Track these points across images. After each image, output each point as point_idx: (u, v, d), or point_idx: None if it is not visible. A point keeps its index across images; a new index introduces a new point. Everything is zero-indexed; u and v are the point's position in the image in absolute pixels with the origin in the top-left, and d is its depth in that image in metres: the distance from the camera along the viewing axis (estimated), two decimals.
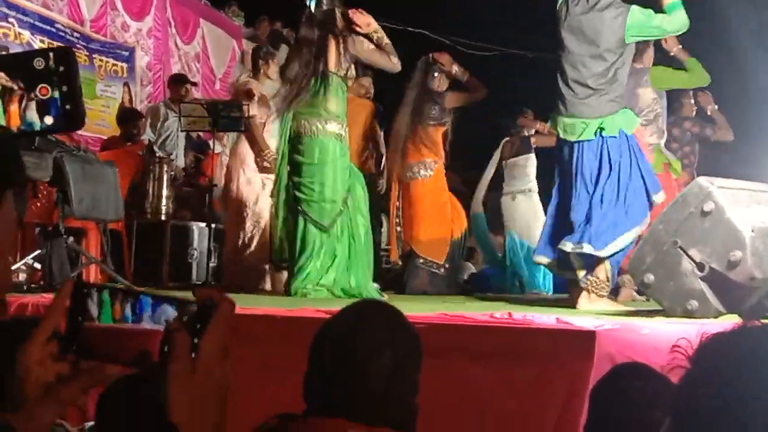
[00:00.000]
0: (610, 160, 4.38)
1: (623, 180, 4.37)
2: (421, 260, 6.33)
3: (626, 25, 4.42)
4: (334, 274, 4.93)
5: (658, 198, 4.47)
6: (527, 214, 7.10)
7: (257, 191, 6.15)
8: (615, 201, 4.35)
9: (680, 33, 4.71)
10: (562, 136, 4.56)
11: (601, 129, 4.40)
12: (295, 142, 5.10)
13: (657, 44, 6.00)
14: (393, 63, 5.17)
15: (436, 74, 6.48)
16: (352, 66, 5.17)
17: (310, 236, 4.98)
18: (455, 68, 6.55)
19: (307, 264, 4.91)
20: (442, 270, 6.34)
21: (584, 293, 4.33)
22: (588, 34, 4.49)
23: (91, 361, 1.00)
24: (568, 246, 4.37)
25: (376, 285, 5.27)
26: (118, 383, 2.08)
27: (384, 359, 1.75)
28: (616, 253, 4.36)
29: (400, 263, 6.57)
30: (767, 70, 8.15)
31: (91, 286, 1.03)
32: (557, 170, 4.70)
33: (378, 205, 6.62)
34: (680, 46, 6.08)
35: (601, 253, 4.30)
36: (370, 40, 5.13)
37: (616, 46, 4.45)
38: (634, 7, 4.47)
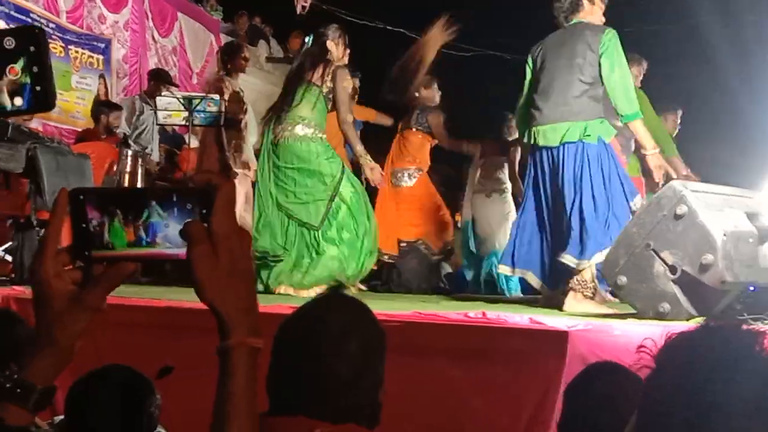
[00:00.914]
0: (589, 167, 4.41)
1: (601, 189, 4.40)
2: (421, 242, 6.43)
3: (600, 40, 4.47)
4: (326, 270, 4.96)
5: (636, 202, 4.50)
6: (496, 213, 7.16)
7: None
8: (602, 209, 4.38)
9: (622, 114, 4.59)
10: (542, 144, 4.58)
11: (585, 134, 4.43)
12: (274, 148, 5.20)
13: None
14: (345, 118, 5.26)
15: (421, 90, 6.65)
16: (329, 84, 5.23)
17: (296, 235, 5.01)
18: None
19: (300, 262, 4.96)
20: (434, 258, 6.46)
21: (571, 293, 4.35)
22: (568, 45, 4.55)
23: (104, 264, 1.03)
24: (568, 259, 4.39)
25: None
26: (87, 377, 2.07)
27: (349, 351, 1.73)
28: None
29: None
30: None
31: (86, 192, 1.03)
32: (531, 181, 4.72)
33: None
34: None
35: (591, 262, 4.34)
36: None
37: (594, 60, 4.50)
38: (615, 39, 4.49)
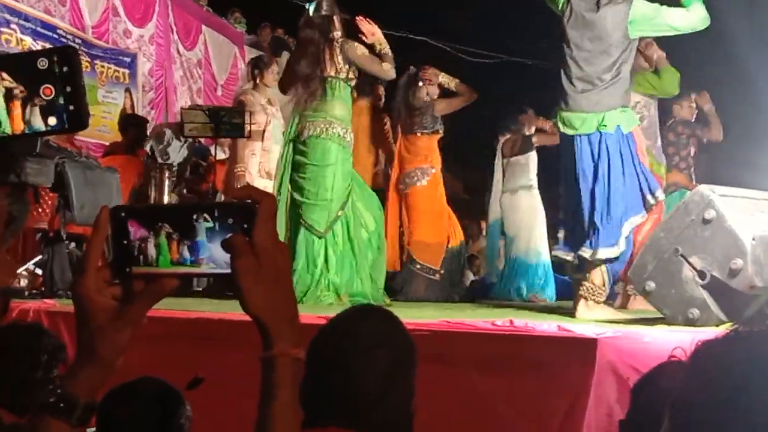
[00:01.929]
0: (608, 156, 4.36)
1: (617, 179, 4.34)
2: (418, 266, 6.33)
3: (629, 19, 4.41)
4: (336, 278, 4.94)
5: (659, 195, 4.44)
6: (527, 210, 7.12)
7: None
8: (609, 201, 4.33)
9: (698, 30, 4.46)
10: (562, 130, 4.55)
11: (602, 125, 4.38)
12: (297, 143, 5.14)
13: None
14: (385, 70, 5.21)
15: (420, 85, 6.50)
16: (353, 68, 5.17)
17: (307, 243, 4.99)
18: (442, 78, 6.57)
19: (311, 271, 4.92)
20: (437, 276, 6.34)
21: (582, 301, 4.30)
22: (593, 29, 4.46)
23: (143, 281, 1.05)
24: (586, 252, 4.35)
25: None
26: (117, 389, 2.09)
27: (379, 362, 1.75)
28: (612, 259, 4.33)
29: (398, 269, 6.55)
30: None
31: (128, 209, 1.05)
32: (560, 166, 4.67)
33: None
34: (662, 53, 6.08)
35: (611, 254, 4.27)
36: (372, 49, 5.16)
37: (620, 41, 4.42)
38: (638, 2, 4.40)
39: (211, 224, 1.02)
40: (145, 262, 1.04)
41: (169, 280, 1.04)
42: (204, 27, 11.51)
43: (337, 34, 5.13)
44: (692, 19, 4.40)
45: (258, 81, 6.60)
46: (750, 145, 7.54)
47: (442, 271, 6.36)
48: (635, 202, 4.37)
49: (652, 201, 4.41)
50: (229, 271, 1.01)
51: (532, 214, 7.06)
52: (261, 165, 6.30)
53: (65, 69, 1.02)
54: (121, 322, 1.04)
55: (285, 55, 12.62)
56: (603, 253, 4.23)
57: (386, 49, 5.20)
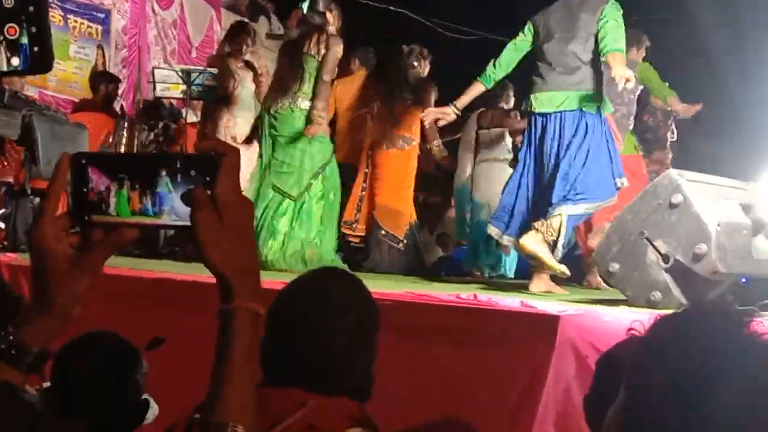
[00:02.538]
0: (586, 131, 4.43)
1: (593, 153, 4.41)
2: (383, 232, 6.34)
3: (602, 11, 4.49)
4: (296, 245, 5.00)
5: (623, 182, 4.52)
6: (500, 181, 7.13)
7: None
8: (584, 167, 4.40)
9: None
10: (537, 110, 4.58)
11: (584, 103, 4.44)
12: (273, 119, 5.25)
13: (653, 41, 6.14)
14: (326, 87, 5.29)
15: (415, 62, 6.55)
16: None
17: (275, 205, 5.07)
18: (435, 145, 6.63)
19: (272, 233, 4.96)
20: (401, 245, 6.36)
21: (533, 231, 4.37)
22: (573, 15, 4.57)
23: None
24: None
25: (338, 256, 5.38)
26: (72, 343, 2.07)
27: (345, 326, 1.75)
28: (575, 216, 4.43)
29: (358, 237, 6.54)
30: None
31: (89, 156, 1.03)
32: (525, 147, 4.72)
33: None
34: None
35: (564, 209, 4.36)
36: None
37: (595, 30, 4.51)
38: (615, 8, 4.52)
39: (173, 176, 1.00)
40: (105, 211, 1.02)
41: (129, 229, 1.02)
42: None
43: (331, 28, 5.27)
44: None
45: (233, 47, 6.56)
46: (722, 138, 7.63)
47: (405, 242, 6.36)
48: (607, 184, 4.44)
49: (619, 185, 4.48)
50: (189, 223, 1.00)
51: (500, 184, 7.07)
52: (226, 129, 6.29)
53: (31, 9, 0.99)
54: (78, 270, 1.02)
55: (262, 20, 12.52)
56: (569, 209, 4.36)
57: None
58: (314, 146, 5.20)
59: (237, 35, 6.69)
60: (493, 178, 7.12)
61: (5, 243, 4.76)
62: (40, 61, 1.00)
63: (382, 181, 6.37)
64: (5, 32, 0.98)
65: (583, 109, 4.46)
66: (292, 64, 5.24)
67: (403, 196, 6.46)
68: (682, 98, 6.73)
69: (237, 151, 1.03)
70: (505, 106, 7.30)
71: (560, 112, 4.49)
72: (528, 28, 4.78)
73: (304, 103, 5.19)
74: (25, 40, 0.99)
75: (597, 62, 4.55)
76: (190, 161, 1.02)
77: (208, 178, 0.99)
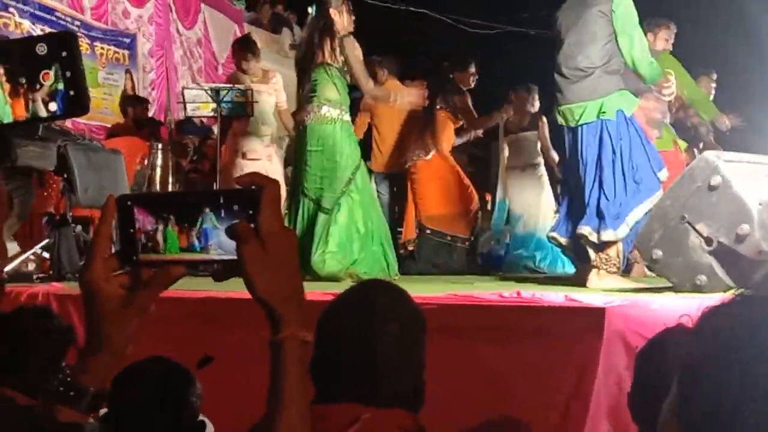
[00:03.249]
0: (611, 142, 4.37)
1: (625, 161, 4.36)
2: (449, 237, 6.42)
3: (611, 7, 4.41)
4: (336, 250, 4.98)
5: (662, 176, 4.45)
6: (533, 189, 7.12)
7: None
8: (622, 183, 4.34)
9: (645, 76, 4.55)
10: (561, 122, 4.57)
11: (601, 111, 4.39)
12: (302, 133, 5.23)
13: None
14: (368, 85, 5.28)
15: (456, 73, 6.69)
16: (340, 57, 5.18)
17: (315, 219, 5.03)
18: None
19: (321, 243, 4.95)
20: (467, 243, 6.42)
21: (594, 270, 4.32)
22: (580, 16, 4.50)
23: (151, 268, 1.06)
24: (585, 230, 4.38)
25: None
26: (127, 370, 2.09)
27: (392, 336, 1.75)
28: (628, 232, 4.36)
29: (410, 245, 6.61)
30: None
31: (134, 198, 1.06)
32: (561, 158, 4.74)
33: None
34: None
35: (617, 235, 4.30)
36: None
37: (605, 29, 4.43)
38: (622, 2, 4.43)
39: (217, 211, 1.03)
40: (152, 250, 1.05)
41: (177, 267, 1.05)
42: (203, 5, 11.45)
43: (339, 27, 5.16)
44: (650, 69, 4.48)
45: (240, 65, 6.61)
46: (759, 111, 7.49)
47: (471, 239, 6.42)
48: (650, 181, 4.39)
49: (662, 178, 4.43)
50: (236, 257, 1.02)
51: (537, 192, 7.08)
52: (239, 145, 6.34)
53: (64, 54, 1.02)
54: (129, 309, 1.05)
55: (285, 32, 12.62)
56: (606, 235, 4.27)
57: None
58: (344, 155, 5.12)
59: (237, 51, 6.73)
60: (525, 185, 7.13)
61: (51, 272, 4.83)
62: (77, 104, 1.02)
63: (429, 193, 6.47)
64: (41, 79, 1.01)
65: (603, 117, 4.40)
66: (306, 76, 5.19)
67: (455, 195, 6.49)
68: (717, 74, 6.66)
69: (277, 183, 1.05)
70: (532, 110, 7.26)
71: (580, 126, 4.45)
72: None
73: (327, 110, 5.12)
74: (60, 85, 1.01)
75: (612, 61, 4.46)
76: (232, 196, 1.04)
77: (250, 212, 1.02)
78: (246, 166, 6.18)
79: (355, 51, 5.15)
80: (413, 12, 10.94)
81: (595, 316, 2.92)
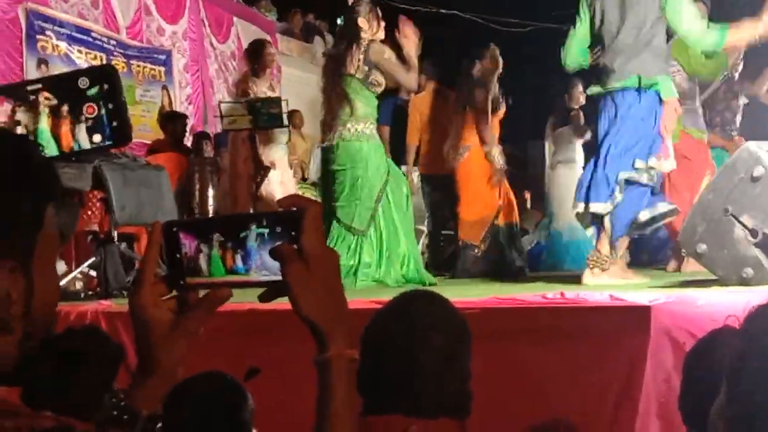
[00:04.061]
0: (630, 112, 4.30)
1: (630, 138, 4.29)
2: (461, 242, 6.38)
3: None
4: (373, 272, 4.96)
5: (667, 165, 4.39)
6: (566, 185, 7.08)
7: (288, 189, 6.31)
8: (609, 156, 4.30)
9: (702, 47, 4.44)
10: (594, 93, 4.50)
11: (642, 84, 4.31)
12: (329, 152, 5.18)
13: None
14: (408, 78, 5.17)
15: (477, 61, 6.49)
16: (375, 71, 5.11)
17: (345, 240, 5.00)
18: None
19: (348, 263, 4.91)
20: (476, 251, 6.34)
21: (587, 270, 4.33)
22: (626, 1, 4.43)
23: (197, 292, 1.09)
24: (579, 206, 4.42)
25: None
26: (180, 386, 2.12)
27: (436, 346, 1.76)
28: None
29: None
30: None
31: (179, 224, 1.09)
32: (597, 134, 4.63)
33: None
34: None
35: (589, 210, 4.31)
36: (399, 51, 5.14)
37: (653, 10, 4.37)
38: None
39: (261, 233, 1.05)
40: (199, 273, 1.07)
41: (224, 289, 1.07)
42: (235, 18, 11.57)
43: (365, 35, 5.09)
44: (707, 36, 4.33)
45: (255, 66, 6.66)
46: None
47: (482, 247, 6.35)
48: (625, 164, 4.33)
49: (666, 168, 4.41)
50: (280, 278, 1.04)
51: (565, 187, 7.03)
52: (265, 154, 6.43)
53: (106, 86, 1.05)
54: (178, 333, 1.07)
55: (317, 40, 12.69)
56: (594, 207, 4.30)
57: (414, 57, 5.16)
58: (371, 171, 5.06)
59: (259, 53, 6.75)
60: (558, 184, 7.11)
61: (98, 290, 4.91)
62: (119, 134, 1.05)
63: (459, 196, 6.43)
64: (85, 111, 1.04)
65: (643, 89, 4.31)
66: (335, 89, 5.11)
67: (478, 201, 6.44)
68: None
69: (318, 205, 1.07)
70: (575, 105, 7.22)
71: (621, 91, 4.37)
72: (582, 11, 4.62)
73: (353, 127, 5.07)
74: (104, 117, 1.04)
75: (658, 43, 4.38)
76: (275, 218, 1.06)
77: (293, 233, 1.04)
78: (274, 176, 6.28)
79: (384, 53, 5.08)
80: (444, 14, 10.93)
81: (641, 314, 2.89)
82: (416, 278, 5.03)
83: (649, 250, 6.61)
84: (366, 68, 5.06)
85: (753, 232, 3.57)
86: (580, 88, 7.18)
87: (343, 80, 5.08)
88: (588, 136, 7.18)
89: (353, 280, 4.86)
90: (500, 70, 6.42)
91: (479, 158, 6.44)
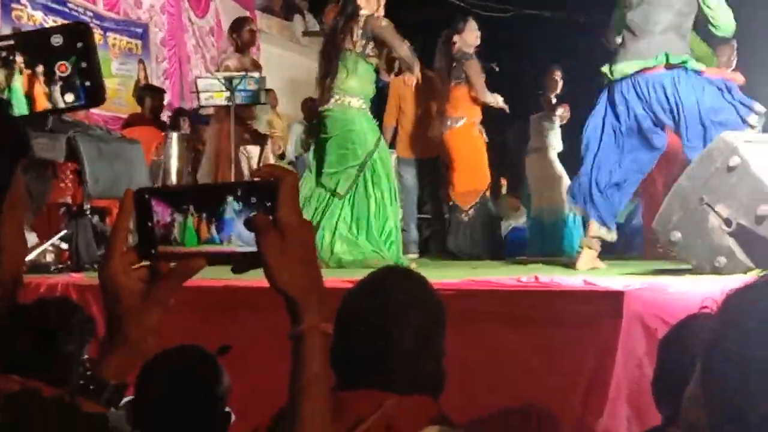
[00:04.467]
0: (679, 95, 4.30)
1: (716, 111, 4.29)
2: (451, 203, 6.45)
3: None
4: (351, 236, 4.97)
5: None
6: (540, 172, 7.17)
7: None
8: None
9: (722, 29, 4.46)
10: (617, 77, 4.47)
11: (670, 61, 4.31)
12: (321, 120, 5.23)
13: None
14: (406, 50, 5.20)
15: (453, 42, 6.50)
16: (372, 43, 5.12)
17: (321, 201, 5.04)
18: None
19: (325, 228, 4.96)
20: (465, 216, 6.38)
21: (581, 252, 4.38)
22: None
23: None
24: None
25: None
26: (156, 359, 2.10)
27: (413, 323, 1.76)
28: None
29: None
30: None
31: (152, 191, 1.06)
32: (602, 119, 4.56)
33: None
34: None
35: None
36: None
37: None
38: None
39: (235, 203, 1.03)
40: (171, 243, 1.05)
41: (196, 259, 1.05)
42: None
43: (363, 11, 5.10)
44: (728, 18, 4.37)
45: (239, 44, 6.64)
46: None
47: (471, 213, 6.37)
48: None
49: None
50: (255, 248, 1.02)
51: (545, 175, 7.11)
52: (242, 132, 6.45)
53: (79, 45, 1.02)
54: (149, 303, 1.05)
55: (297, 18, 12.59)
56: None
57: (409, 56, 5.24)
58: (360, 140, 5.10)
59: (241, 29, 6.73)
60: (532, 169, 7.20)
61: (69, 263, 4.85)
62: (93, 95, 1.02)
63: (452, 166, 6.43)
64: (57, 70, 1.01)
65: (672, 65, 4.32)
66: (332, 62, 5.15)
67: (471, 170, 6.47)
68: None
69: (294, 175, 1.05)
70: (551, 92, 7.25)
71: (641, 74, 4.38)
72: None
73: (346, 99, 5.12)
74: (76, 76, 1.01)
75: (685, 22, 4.40)
76: (250, 188, 1.04)
77: (268, 204, 1.02)
78: (254, 152, 6.27)
79: (381, 22, 5.09)
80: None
81: (614, 299, 2.91)
82: (396, 259, 5.04)
83: (623, 238, 6.67)
84: (363, 41, 5.09)
85: (727, 222, 3.59)
86: (559, 73, 7.20)
87: (341, 54, 5.11)
88: (557, 120, 7.21)
89: (329, 249, 4.89)
90: (478, 41, 6.46)
91: (471, 131, 6.46)
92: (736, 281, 1.15)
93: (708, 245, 3.63)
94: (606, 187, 4.44)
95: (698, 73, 4.36)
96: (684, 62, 4.32)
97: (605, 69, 4.51)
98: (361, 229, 5.02)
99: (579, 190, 4.52)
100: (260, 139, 6.87)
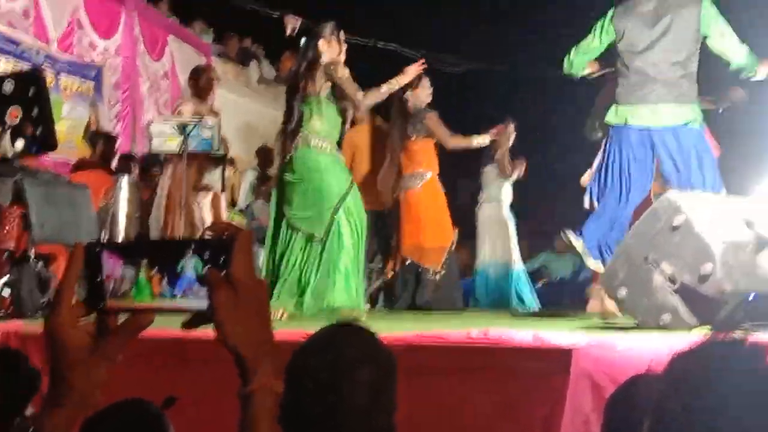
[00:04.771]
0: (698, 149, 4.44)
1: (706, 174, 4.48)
2: (420, 268, 6.40)
3: (700, 15, 4.46)
4: (328, 288, 4.95)
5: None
6: (484, 222, 7.27)
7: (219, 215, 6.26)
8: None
9: (741, 72, 4.60)
10: (634, 123, 4.55)
11: (688, 119, 4.44)
12: (287, 164, 5.18)
13: None
14: (359, 97, 5.17)
15: (411, 92, 6.51)
16: (327, 84, 5.15)
17: (301, 250, 5.00)
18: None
19: (308, 281, 4.92)
20: (437, 276, 6.38)
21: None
22: (662, 19, 4.53)
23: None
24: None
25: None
26: (98, 415, 2.05)
27: (363, 380, 1.75)
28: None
29: (389, 275, 6.58)
30: None
31: (104, 245, 1.06)
32: (617, 163, 4.62)
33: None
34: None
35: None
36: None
37: (692, 39, 4.49)
38: (707, 3, 4.47)
39: (189, 259, 1.03)
40: (122, 297, 1.04)
41: (146, 315, 1.04)
42: (171, 38, 11.41)
43: (324, 57, 5.12)
44: (749, 60, 4.52)
45: (199, 89, 6.66)
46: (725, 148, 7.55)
47: (442, 272, 6.38)
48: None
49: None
50: (207, 305, 1.01)
51: (497, 227, 7.21)
52: (196, 179, 6.40)
53: (31, 92, 1.02)
54: (96, 357, 1.03)
55: (253, 65, 12.64)
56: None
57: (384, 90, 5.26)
58: (331, 181, 5.07)
59: (200, 76, 6.76)
60: (479, 220, 7.30)
61: (11, 310, 4.73)
62: (44, 141, 1.03)
63: (406, 222, 6.42)
64: (8, 116, 1.01)
65: (689, 125, 4.46)
66: (295, 107, 5.14)
67: (432, 230, 6.47)
68: None
69: (249, 233, 1.06)
70: (505, 144, 7.36)
71: (665, 128, 4.48)
72: (602, 28, 4.68)
73: (315, 141, 5.09)
74: (28, 123, 1.01)
75: (692, 67, 4.48)
76: (203, 245, 1.04)
77: (222, 260, 1.02)
78: (205, 198, 6.24)
79: (339, 72, 5.09)
80: (382, 48, 11.02)
81: (563, 356, 2.93)
82: (360, 305, 5.06)
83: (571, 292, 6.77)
84: (328, 85, 5.11)
85: (672, 280, 3.66)
86: (512, 126, 7.29)
87: (306, 99, 5.11)
88: (513, 175, 7.32)
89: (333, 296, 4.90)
90: (429, 98, 6.55)
91: (437, 185, 6.50)
92: (682, 340, 1.17)
93: (653, 303, 3.69)
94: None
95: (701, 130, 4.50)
96: (687, 123, 4.46)
97: (609, 117, 4.59)
98: (334, 273, 4.99)
99: (597, 238, 4.59)
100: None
